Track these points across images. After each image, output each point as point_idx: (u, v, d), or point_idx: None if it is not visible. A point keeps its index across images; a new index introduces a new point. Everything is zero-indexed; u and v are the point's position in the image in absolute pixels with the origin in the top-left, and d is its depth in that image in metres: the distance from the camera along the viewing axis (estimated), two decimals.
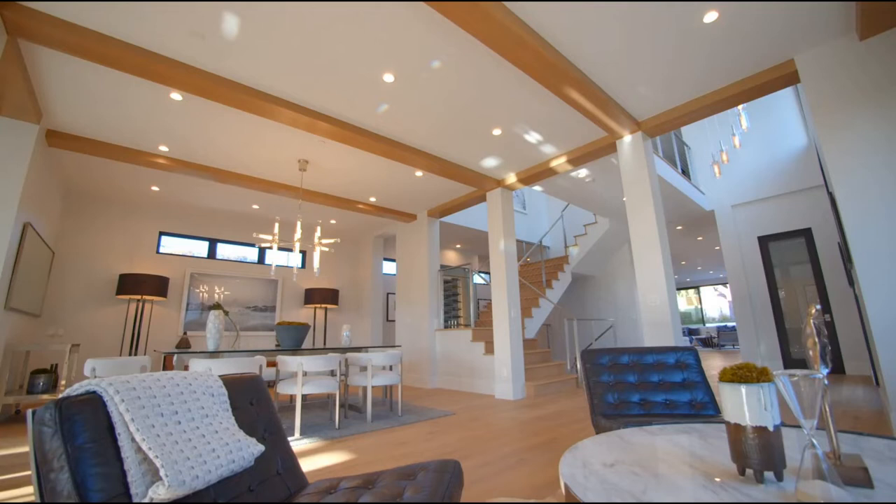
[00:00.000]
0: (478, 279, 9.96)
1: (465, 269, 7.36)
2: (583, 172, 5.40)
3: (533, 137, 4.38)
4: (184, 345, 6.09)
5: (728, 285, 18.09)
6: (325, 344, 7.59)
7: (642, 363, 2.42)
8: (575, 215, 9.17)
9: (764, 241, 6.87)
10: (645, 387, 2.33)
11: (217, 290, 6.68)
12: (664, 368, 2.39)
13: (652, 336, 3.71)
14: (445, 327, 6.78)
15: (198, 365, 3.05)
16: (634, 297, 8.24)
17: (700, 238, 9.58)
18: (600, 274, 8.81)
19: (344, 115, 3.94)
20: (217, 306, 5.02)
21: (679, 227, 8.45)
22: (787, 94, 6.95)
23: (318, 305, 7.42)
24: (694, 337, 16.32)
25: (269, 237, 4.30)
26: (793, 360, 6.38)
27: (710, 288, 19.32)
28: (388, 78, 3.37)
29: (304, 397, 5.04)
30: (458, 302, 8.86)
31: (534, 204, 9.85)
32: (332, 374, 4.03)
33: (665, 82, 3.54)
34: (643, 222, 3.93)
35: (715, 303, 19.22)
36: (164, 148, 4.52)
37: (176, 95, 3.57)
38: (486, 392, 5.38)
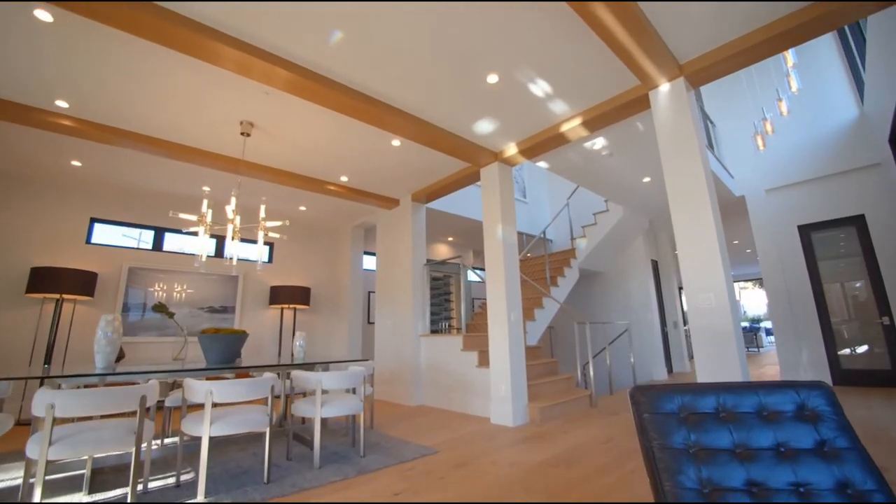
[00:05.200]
0: (473, 276, 8.94)
1: (456, 264, 6.35)
2: (598, 143, 4.39)
3: (540, 88, 3.36)
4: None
5: (753, 283, 17.05)
6: (291, 353, 6.54)
7: (738, 411, 1.41)
8: (581, 204, 8.14)
9: (805, 231, 5.88)
10: (751, 457, 1.32)
11: (158, 287, 5.64)
12: (780, 421, 1.38)
13: (705, 352, 2.71)
14: (433, 332, 5.77)
15: (42, 397, 2.02)
16: (650, 296, 7.24)
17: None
18: (611, 270, 7.81)
19: (288, 52, 2.90)
20: (160, 307, 4.03)
21: None
22: (832, 59, 5.96)
23: (286, 306, 6.39)
24: None
25: (194, 217, 3.27)
26: (843, 371, 5.40)
27: None
28: None
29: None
30: (450, 302, 7.83)
31: (535, 192, 8.84)
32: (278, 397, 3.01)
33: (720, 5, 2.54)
34: (690, 197, 2.92)
35: None
36: (62, 104, 3.48)
37: (43, 14, 2.53)
38: (480, 413, 4.37)
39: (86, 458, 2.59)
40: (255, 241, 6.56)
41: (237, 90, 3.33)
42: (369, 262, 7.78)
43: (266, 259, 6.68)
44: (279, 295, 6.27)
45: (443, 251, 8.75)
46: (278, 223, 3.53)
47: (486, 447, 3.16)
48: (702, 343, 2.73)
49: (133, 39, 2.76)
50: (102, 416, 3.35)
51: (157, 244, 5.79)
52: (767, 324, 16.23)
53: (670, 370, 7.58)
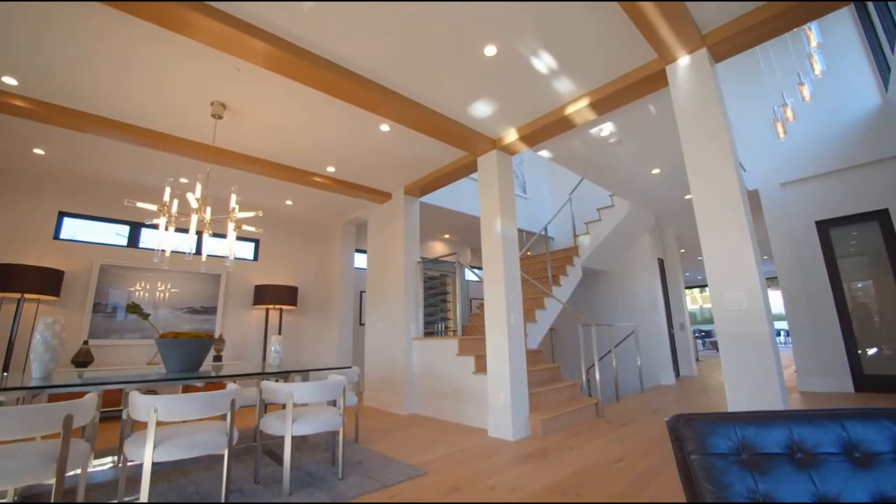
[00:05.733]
0: (471, 276, 8.57)
1: (451, 263, 5.99)
2: (606, 130, 4.03)
3: (543, 63, 3.00)
4: (83, 357, 4.69)
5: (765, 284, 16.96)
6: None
7: (820, 451, 1.05)
8: (584, 200, 7.79)
9: (823, 227, 5.53)
10: None
11: (140, 287, 5.27)
12: (878, 465, 1.01)
13: (735, 361, 2.34)
14: (427, 334, 5.41)
15: None
16: (657, 296, 6.88)
17: None
18: (615, 269, 7.44)
19: (267, 22, 2.54)
20: (133, 307, 3.65)
21: None
22: (852, 44, 5.60)
23: (272, 306, 6.02)
24: (707, 339, 15.02)
25: (154, 207, 2.90)
26: (865, 377, 5.04)
27: None
28: None
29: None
30: (446, 302, 7.47)
31: (535, 187, 8.48)
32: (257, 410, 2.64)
33: None
34: (716, 183, 2.56)
35: None
36: (9, 80, 3.11)
37: None
38: (477, 424, 4.01)
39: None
40: (238, 238, 6.20)
41: (207, 66, 2.96)
42: (362, 261, 7.42)
43: (237, 255, 6.27)
44: (264, 295, 5.90)
45: (439, 249, 8.39)
46: (251, 214, 3.16)
47: (483, 467, 2.79)
48: (731, 351, 2.37)
49: (90, 6, 2.39)
50: (44, 437, 2.98)
51: (133, 240, 5.42)
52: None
53: (677, 374, 7.22)
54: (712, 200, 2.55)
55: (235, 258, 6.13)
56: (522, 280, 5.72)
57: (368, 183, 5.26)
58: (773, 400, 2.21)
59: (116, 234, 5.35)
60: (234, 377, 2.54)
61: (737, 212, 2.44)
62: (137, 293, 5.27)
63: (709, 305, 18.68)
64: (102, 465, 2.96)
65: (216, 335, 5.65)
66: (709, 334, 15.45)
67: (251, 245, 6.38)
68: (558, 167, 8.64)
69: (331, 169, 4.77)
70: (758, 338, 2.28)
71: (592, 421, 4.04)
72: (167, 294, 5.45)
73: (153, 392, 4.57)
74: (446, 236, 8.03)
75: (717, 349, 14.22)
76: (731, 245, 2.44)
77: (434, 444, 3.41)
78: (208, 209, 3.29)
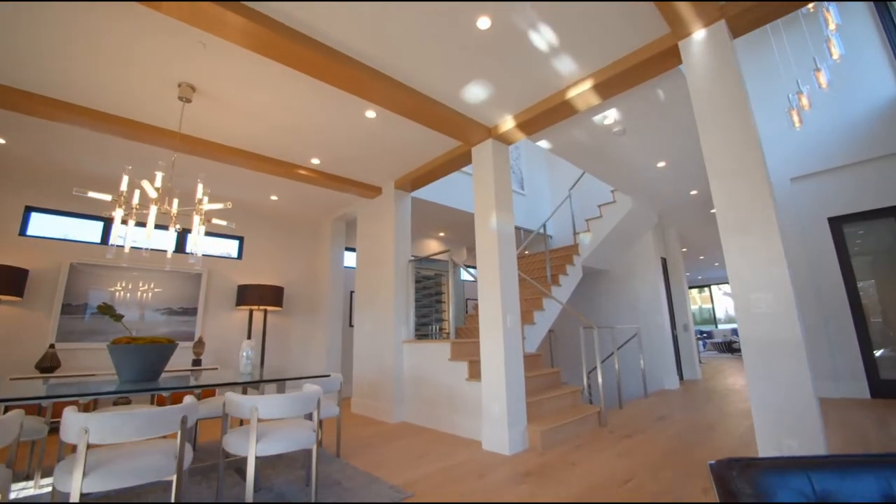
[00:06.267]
0: (466, 276, 8.27)
1: (444, 261, 5.68)
2: (610, 118, 3.74)
3: (542, 39, 2.71)
4: (49, 362, 4.38)
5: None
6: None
7: None
8: (584, 197, 7.51)
9: (836, 224, 5.26)
10: None
11: (120, 287, 4.95)
12: None
13: (761, 371, 2.05)
14: (419, 337, 5.10)
15: None
16: (660, 297, 6.60)
17: None
18: (617, 268, 7.15)
19: None
20: (105, 308, 3.33)
21: (713, 211, 6.83)
22: (867, 31, 5.33)
23: (256, 307, 5.71)
24: (708, 340, 14.77)
25: (108, 198, 2.59)
26: (881, 382, 4.77)
27: (716, 287, 17.99)
28: None
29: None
30: (441, 303, 7.18)
31: (534, 183, 8.19)
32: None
33: None
34: (738, 166, 2.27)
35: (721, 303, 17.89)
36: None
37: None
38: (471, 435, 3.71)
39: None
40: (221, 235, 5.91)
41: (172, 41, 2.65)
42: (352, 260, 7.11)
43: (220, 253, 5.97)
44: (248, 295, 5.59)
45: (433, 248, 8.08)
46: (219, 206, 2.85)
47: (477, 487, 2.49)
48: (756, 359, 2.08)
49: None
50: None
51: (107, 237, 5.10)
52: None
53: (681, 378, 6.95)
54: (734, 187, 2.26)
55: (218, 256, 5.82)
56: (520, 280, 5.43)
57: (356, 176, 4.95)
58: (806, 409, 1.92)
59: (95, 231, 5.04)
60: (184, 389, 2.23)
61: (762, 199, 2.15)
62: (117, 293, 4.96)
63: (708, 306, 18.50)
64: (49, 486, 2.66)
65: (196, 338, 5.33)
66: (709, 335, 15.21)
67: (235, 242, 6.06)
68: (557, 162, 8.36)
69: (315, 161, 4.46)
70: (787, 343, 1.99)
71: (595, 431, 3.74)
72: (147, 294, 5.14)
73: (126, 401, 4.24)
74: (441, 234, 7.72)
75: (717, 350, 13.97)
76: (757, 238, 2.15)
77: (423, 459, 3.11)
78: (175, 201, 2.99)
